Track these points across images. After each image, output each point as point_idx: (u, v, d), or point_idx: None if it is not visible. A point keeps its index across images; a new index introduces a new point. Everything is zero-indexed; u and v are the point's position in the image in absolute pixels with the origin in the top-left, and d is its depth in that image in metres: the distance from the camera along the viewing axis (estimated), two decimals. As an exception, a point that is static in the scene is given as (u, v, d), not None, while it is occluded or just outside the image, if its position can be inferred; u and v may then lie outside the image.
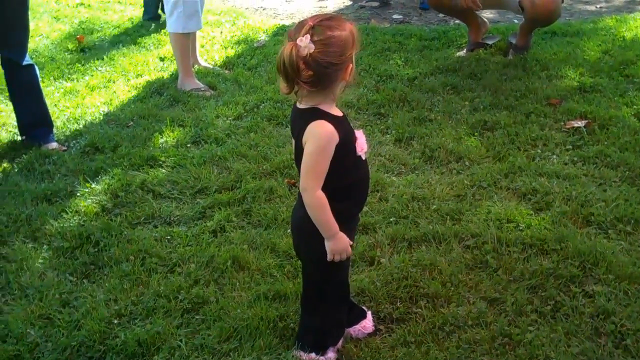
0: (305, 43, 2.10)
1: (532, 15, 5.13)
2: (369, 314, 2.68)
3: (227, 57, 5.95)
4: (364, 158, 2.36)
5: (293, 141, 2.32)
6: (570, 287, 2.83)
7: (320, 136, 2.17)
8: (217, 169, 3.96)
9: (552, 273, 2.91)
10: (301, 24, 2.16)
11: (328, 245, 2.29)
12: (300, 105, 2.26)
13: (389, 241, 3.21)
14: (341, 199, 2.30)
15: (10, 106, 4.63)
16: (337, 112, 2.27)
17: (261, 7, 7.40)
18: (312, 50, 2.10)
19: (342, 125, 2.24)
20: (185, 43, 5.17)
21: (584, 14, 7.01)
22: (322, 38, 2.12)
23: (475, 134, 4.24)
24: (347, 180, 2.31)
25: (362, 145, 2.33)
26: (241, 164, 3.97)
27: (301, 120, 2.23)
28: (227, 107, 4.77)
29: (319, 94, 2.20)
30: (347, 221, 2.36)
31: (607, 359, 2.48)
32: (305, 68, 2.11)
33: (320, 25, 2.14)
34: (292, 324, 2.67)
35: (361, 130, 2.38)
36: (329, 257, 2.30)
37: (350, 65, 2.20)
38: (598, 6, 7.30)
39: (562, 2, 5.17)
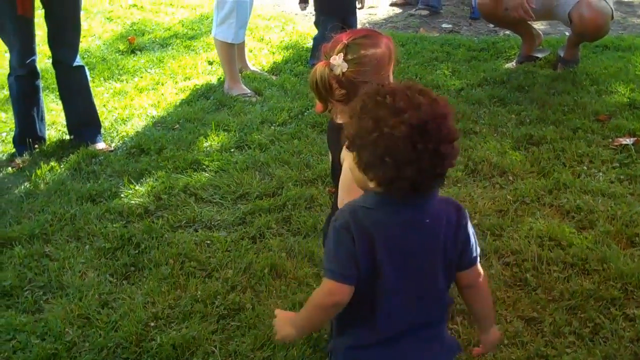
0: (338, 62, 2.10)
1: (580, 29, 5.06)
2: None
3: (274, 62, 5.98)
4: None
5: (330, 154, 2.32)
6: (610, 310, 2.78)
7: None
8: (260, 174, 3.98)
9: (592, 294, 2.86)
10: (336, 41, 2.15)
11: None
12: (337, 121, 2.25)
13: (427, 254, 3.19)
14: None
15: (60, 105, 4.73)
16: None
17: (311, 13, 7.41)
18: (345, 70, 2.09)
19: None
20: (232, 50, 5.23)
21: (638, 28, 6.88)
22: (355, 57, 2.11)
23: (521, 148, 4.19)
24: None
25: None
26: (283, 171, 3.98)
27: (338, 136, 2.22)
28: (272, 113, 4.80)
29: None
30: None
31: (647, 385, 2.44)
32: (338, 87, 2.11)
33: (355, 43, 2.13)
34: (325, 335, 2.67)
35: None
36: None
37: (386, 82, 2.18)
38: (653, 20, 7.17)
39: (612, 18, 5.10)
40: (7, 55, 4.37)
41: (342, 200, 2.19)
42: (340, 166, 2.18)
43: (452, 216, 1.76)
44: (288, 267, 3.12)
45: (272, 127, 4.60)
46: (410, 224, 1.72)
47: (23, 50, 4.26)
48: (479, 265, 1.85)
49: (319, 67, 2.12)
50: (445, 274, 1.78)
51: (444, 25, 7.03)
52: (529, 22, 5.52)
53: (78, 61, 4.45)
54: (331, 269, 1.71)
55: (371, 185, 1.70)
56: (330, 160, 2.31)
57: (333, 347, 1.89)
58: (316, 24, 5.72)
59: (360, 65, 2.11)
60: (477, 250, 1.83)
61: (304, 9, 6.09)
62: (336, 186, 2.24)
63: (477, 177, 3.90)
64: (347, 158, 2.15)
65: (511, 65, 5.61)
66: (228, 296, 2.96)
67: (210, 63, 5.94)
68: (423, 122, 1.60)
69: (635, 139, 4.17)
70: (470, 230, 1.80)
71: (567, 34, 5.90)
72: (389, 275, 1.71)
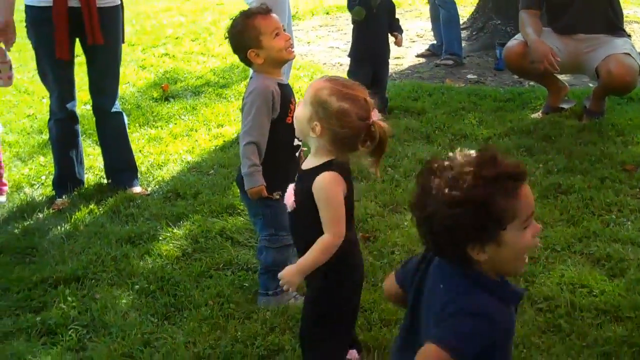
0: (378, 118, 2.42)
1: (607, 83, 5.18)
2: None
3: (304, 110, 6.11)
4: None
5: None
6: (644, 356, 2.84)
7: None
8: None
9: (625, 340, 2.91)
10: (362, 99, 2.43)
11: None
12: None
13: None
14: None
15: (98, 150, 4.88)
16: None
17: (338, 63, 7.59)
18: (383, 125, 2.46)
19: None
20: None
21: (662, 80, 6.97)
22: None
23: (549, 197, 4.27)
24: None
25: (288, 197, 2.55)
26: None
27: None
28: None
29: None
30: None
31: None
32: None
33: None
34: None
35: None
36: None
37: None
38: (676, 73, 7.25)
39: (640, 74, 5.21)
40: (48, 100, 4.54)
41: None
42: None
43: None
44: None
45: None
46: None
47: (62, 95, 4.43)
48: None
49: (383, 125, 2.37)
50: None
51: (469, 76, 7.16)
52: (555, 75, 5.64)
53: (117, 107, 4.60)
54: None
55: None
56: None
57: None
58: (349, 73, 5.87)
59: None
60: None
61: None
62: None
63: (508, 225, 3.96)
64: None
65: (537, 115, 5.71)
66: (267, 337, 3.03)
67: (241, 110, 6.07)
68: None
69: (663, 189, 4.25)
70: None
71: (591, 85, 6.02)
72: None
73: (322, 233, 2.42)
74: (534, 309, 3.16)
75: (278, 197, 3.13)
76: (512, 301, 1.85)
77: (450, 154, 1.83)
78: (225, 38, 3.23)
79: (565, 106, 5.76)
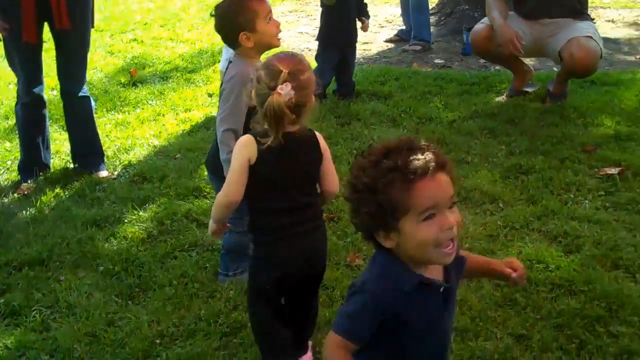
0: (286, 91, 2.36)
1: (570, 67, 5.27)
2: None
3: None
4: None
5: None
6: (595, 327, 2.92)
7: None
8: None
9: (578, 313, 3.00)
10: (275, 71, 2.40)
11: None
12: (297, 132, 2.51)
13: (421, 276, 3.33)
14: None
15: (65, 135, 4.88)
16: None
17: (307, 48, 7.62)
18: (292, 96, 2.36)
19: None
20: None
21: (624, 64, 7.08)
22: (297, 84, 2.39)
23: (511, 177, 4.35)
24: None
25: None
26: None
27: (309, 142, 2.56)
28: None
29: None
30: None
31: (629, 397, 2.57)
32: (290, 112, 2.38)
33: (295, 70, 2.41)
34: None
35: None
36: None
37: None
38: (638, 57, 7.37)
39: (601, 57, 5.30)
40: (14, 86, 4.54)
41: None
42: None
43: None
44: (287, 287, 3.25)
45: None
46: None
47: (29, 79, 4.43)
48: None
49: (274, 99, 2.35)
50: None
51: (436, 61, 7.22)
52: (520, 58, 5.72)
53: (84, 92, 4.61)
54: None
55: None
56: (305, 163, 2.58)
57: None
58: (316, 57, 5.90)
59: (303, 89, 2.41)
60: None
61: None
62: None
63: (469, 205, 4.04)
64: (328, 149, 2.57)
65: (502, 98, 5.79)
66: (230, 315, 3.08)
67: (210, 95, 6.10)
68: None
69: (620, 169, 4.34)
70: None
71: (555, 69, 6.10)
72: None
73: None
74: (492, 284, 3.23)
75: None
76: (406, 285, 1.83)
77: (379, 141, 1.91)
78: (212, 16, 3.18)
79: (529, 89, 5.85)
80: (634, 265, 3.37)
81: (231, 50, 5.03)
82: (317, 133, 2.60)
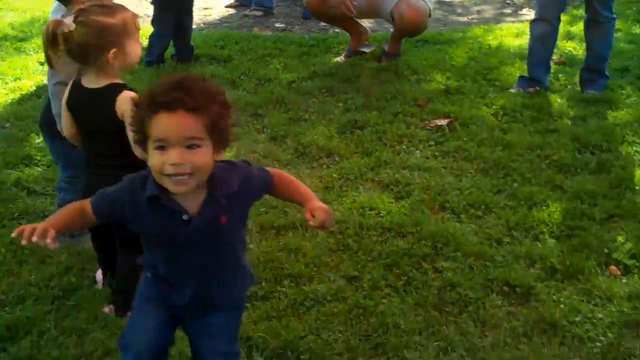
0: (68, 22, 2.43)
1: (400, 26, 5.47)
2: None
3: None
4: None
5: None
6: (422, 264, 3.08)
7: None
8: (94, 166, 4.02)
9: (406, 252, 3.14)
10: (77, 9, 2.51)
11: None
12: (89, 85, 2.57)
13: (258, 229, 3.38)
14: None
15: None
16: None
17: (146, 15, 7.45)
18: (71, 29, 2.42)
19: None
20: None
21: (457, 24, 7.39)
22: (83, 20, 2.44)
23: (346, 132, 4.46)
24: None
25: None
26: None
27: (101, 98, 2.56)
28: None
29: (97, 71, 2.56)
30: None
31: (452, 324, 2.73)
32: (64, 43, 2.45)
33: (89, 9, 2.47)
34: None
35: None
36: None
37: (114, 50, 2.50)
38: (470, 17, 7.71)
39: (430, 16, 5.52)
40: None
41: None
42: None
43: None
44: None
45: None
46: None
47: None
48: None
49: (51, 23, 2.44)
50: None
51: (277, 25, 7.26)
52: (356, 20, 5.86)
53: None
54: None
55: None
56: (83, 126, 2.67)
57: None
58: (152, 22, 5.79)
59: (86, 27, 2.44)
60: None
61: None
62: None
63: (306, 160, 4.12)
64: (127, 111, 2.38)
65: (340, 59, 5.91)
66: (63, 278, 3.01)
67: (42, 64, 5.85)
68: None
69: (449, 120, 4.54)
70: None
71: (391, 30, 6.28)
72: None
73: None
74: (326, 232, 3.32)
75: None
76: (139, 196, 1.96)
77: None
78: None
79: (365, 50, 5.99)
80: (459, 207, 3.56)
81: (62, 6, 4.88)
82: (126, 93, 2.54)
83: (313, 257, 3.12)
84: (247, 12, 7.61)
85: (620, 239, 3.30)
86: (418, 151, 4.20)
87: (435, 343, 2.63)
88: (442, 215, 3.49)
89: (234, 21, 7.42)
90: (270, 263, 3.08)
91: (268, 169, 2.12)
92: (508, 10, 7.93)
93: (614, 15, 5.02)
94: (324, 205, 2.08)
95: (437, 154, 4.17)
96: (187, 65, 5.67)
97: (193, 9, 5.98)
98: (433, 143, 4.31)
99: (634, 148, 4.24)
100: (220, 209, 1.97)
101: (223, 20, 7.47)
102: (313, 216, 2.04)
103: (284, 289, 2.92)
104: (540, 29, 5.05)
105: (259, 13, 7.54)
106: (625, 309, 2.85)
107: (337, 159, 4.13)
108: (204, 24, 7.24)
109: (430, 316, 2.75)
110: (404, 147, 4.26)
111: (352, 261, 3.10)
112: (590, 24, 5.05)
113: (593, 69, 5.11)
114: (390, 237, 3.28)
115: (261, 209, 3.52)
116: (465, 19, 7.70)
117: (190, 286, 2.06)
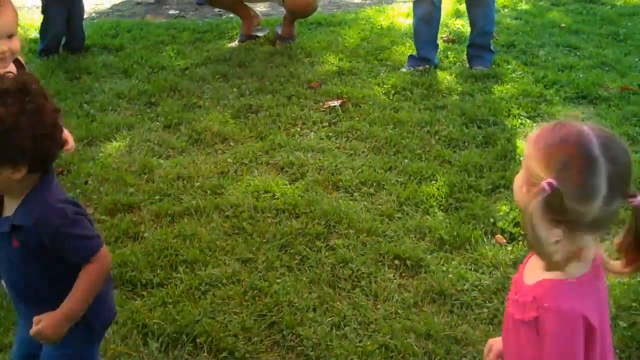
0: None
1: (291, 7, 5.54)
2: None
3: None
4: None
5: None
6: (315, 243, 3.15)
7: None
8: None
9: (300, 232, 3.21)
10: None
11: None
12: None
13: (152, 217, 3.38)
14: None
15: None
16: None
17: (34, 6, 7.25)
18: None
19: None
20: None
21: (351, 6, 7.47)
22: None
23: (241, 117, 4.48)
24: None
25: None
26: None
27: None
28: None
29: None
30: None
31: (345, 299, 2.81)
32: None
33: None
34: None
35: None
36: None
37: None
38: (363, -1, 7.83)
39: (317, -4, 5.61)
40: None
41: None
42: None
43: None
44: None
45: None
46: None
47: None
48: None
49: None
50: None
51: (170, 12, 7.18)
52: (247, 4, 5.87)
53: None
54: (97, 235, 1.89)
55: None
56: None
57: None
58: (43, 11, 5.64)
59: None
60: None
61: None
62: None
63: (201, 146, 4.13)
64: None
65: (234, 44, 5.91)
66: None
67: None
68: None
69: (342, 100, 4.63)
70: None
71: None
72: None
73: None
74: (221, 217, 3.36)
75: None
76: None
77: None
78: None
79: (259, 34, 6.01)
80: (352, 186, 3.65)
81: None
82: None
83: (208, 242, 3.14)
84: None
85: (504, 208, 3.45)
86: (312, 133, 4.27)
87: (329, 318, 2.71)
88: (335, 194, 3.57)
89: (126, 10, 7.29)
90: (165, 250, 3.09)
91: (96, 254, 1.86)
92: (400, -9, 8.09)
93: (494, -9, 5.21)
94: (50, 321, 1.83)
95: (330, 134, 4.25)
96: (78, 56, 5.55)
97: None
98: (327, 124, 4.38)
99: (519, 121, 4.43)
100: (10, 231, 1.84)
101: (115, 9, 7.33)
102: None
103: (179, 274, 2.94)
104: (423, 8, 5.19)
105: (151, 0, 7.44)
106: (510, 275, 2.97)
107: (232, 144, 4.15)
108: (96, 13, 7.10)
109: (324, 293, 2.83)
110: (298, 129, 4.32)
111: (247, 244, 3.15)
112: (471, 0, 5.22)
113: (478, 45, 5.29)
114: (285, 218, 3.34)
115: (155, 197, 3.53)
116: (359, 0, 7.81)
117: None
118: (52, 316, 1.82)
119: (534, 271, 1.60)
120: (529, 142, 1.54)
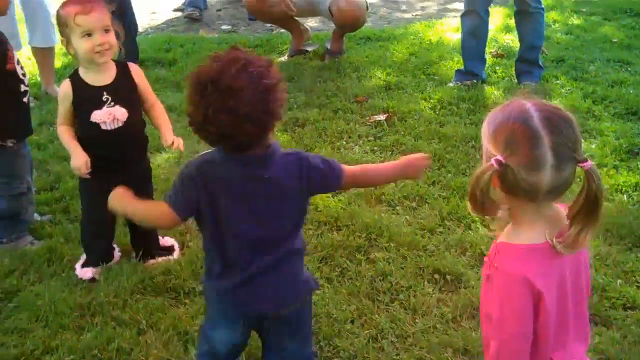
0: None
1: (340, 20, 5.58)
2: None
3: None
4: (103, 128, 2.88)
5: None
6: (356, 256, 3.19)
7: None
8: (37, 172, 4.06)
9: (341, 245, 3.25)
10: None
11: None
12: None
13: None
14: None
15: None
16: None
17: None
18: None
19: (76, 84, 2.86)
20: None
21: (401, 21, 7.53)
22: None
23: (288, 130, 4.56)
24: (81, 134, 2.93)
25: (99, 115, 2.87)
26: (62, 167, 4.09)
27: None
28: (51, 115, 4.86)
29: None
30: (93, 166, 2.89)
31: (383, 312, 2.84)
32: None
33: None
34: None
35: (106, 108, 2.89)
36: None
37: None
38: (414, 14, 7.86)
39: (367, 9, 5.65)
40: None
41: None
42: None
43: (292, 166, 2.06)
44: (65, 250, 3.27)
45: (52, 129, 4.67)
46: (249, 178, 1.99)
47: None
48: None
49: None
50: (295, 218, 2.10)
51: (223, 27, 7.33)
52: (297, 19, 5.96)
53: None
54: (172, 199, 2.03)
55: None
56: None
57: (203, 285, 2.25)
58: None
59: None
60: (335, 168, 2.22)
61: None
62: None
63: (247, 159, 4.20)
64: None
65: (284, 58, 6.00)
66: (5, 281, 3.06)
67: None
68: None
69: (387, 115, 4.67)
70: (316, 161, 2.13)
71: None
72: (230, 221, 2.00)
73: None
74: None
75: (12, 144, 3.18)
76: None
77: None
78: None
79: (309, 49, 6.10)
80: (394, 199, 3.68)
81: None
82: None
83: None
84: (184, 14, 7.65)
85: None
86: (357, 146, 4.32)
87: (367, 331, 2.74)
88: (378, 207, 3.60)
89: (181, 24, 7.47)
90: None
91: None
92: (450, 6, 8.09)
93: (543, 6, 5.19)
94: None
95: (375, 148, 4.29)
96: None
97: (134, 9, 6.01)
98: (372, 138, 4.42)
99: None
100: None
101: (169, 24, 7.52)
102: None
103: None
104: (470, 22, 5.21)
105: (196, 13, 7.56)
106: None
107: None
108: (151, 27, 7.29)
109: (363, 305, 2.86)
110: (344, 142, 4.38)
111: (289, 255, 3.20)
112: (520, 15, 5.22)
113: (527, 59, 5.28)
114: (326, 230, 3.39)
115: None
116: (409, 15, 7.85)
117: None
118: None
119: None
120: (484, 123, 1.70)
